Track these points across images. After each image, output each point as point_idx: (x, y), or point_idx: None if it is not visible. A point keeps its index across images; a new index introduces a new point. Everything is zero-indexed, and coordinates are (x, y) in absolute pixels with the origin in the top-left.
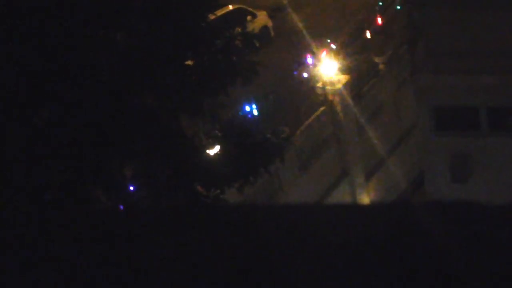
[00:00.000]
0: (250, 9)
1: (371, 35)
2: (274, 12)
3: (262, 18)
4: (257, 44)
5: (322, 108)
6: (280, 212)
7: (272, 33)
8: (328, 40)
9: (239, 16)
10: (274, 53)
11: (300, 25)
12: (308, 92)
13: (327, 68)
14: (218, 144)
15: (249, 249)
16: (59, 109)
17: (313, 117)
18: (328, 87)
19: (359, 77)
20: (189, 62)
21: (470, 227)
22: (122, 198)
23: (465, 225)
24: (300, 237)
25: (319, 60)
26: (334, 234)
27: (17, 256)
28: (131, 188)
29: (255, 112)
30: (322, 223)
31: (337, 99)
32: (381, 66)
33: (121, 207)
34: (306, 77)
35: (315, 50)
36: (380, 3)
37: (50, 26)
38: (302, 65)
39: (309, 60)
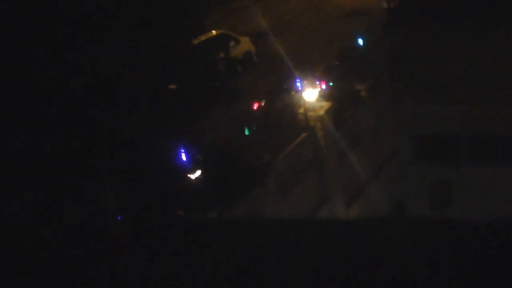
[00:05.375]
0: (234, 34)
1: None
2: (258, 38)
3: (245, 44)
4: (240, 69)
5: (303, 134)
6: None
7: (256, 58)
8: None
9: (222, 42)
10: (258, 78)
11: (283, 51)
12: (291, 118)
13: (309, 95)
14: (199, 169)
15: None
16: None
17: (295, 142)
18: (310, 113)
19: (341, 103)
20: (173, 86)
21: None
22: (101, 219)
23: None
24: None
25: (301, 86)
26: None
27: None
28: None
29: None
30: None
31: (318, 125)
32: (362, 94)
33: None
34: (288, 103)
35: (298, 76)
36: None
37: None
38: (285, 91)
39: (298, 85)
